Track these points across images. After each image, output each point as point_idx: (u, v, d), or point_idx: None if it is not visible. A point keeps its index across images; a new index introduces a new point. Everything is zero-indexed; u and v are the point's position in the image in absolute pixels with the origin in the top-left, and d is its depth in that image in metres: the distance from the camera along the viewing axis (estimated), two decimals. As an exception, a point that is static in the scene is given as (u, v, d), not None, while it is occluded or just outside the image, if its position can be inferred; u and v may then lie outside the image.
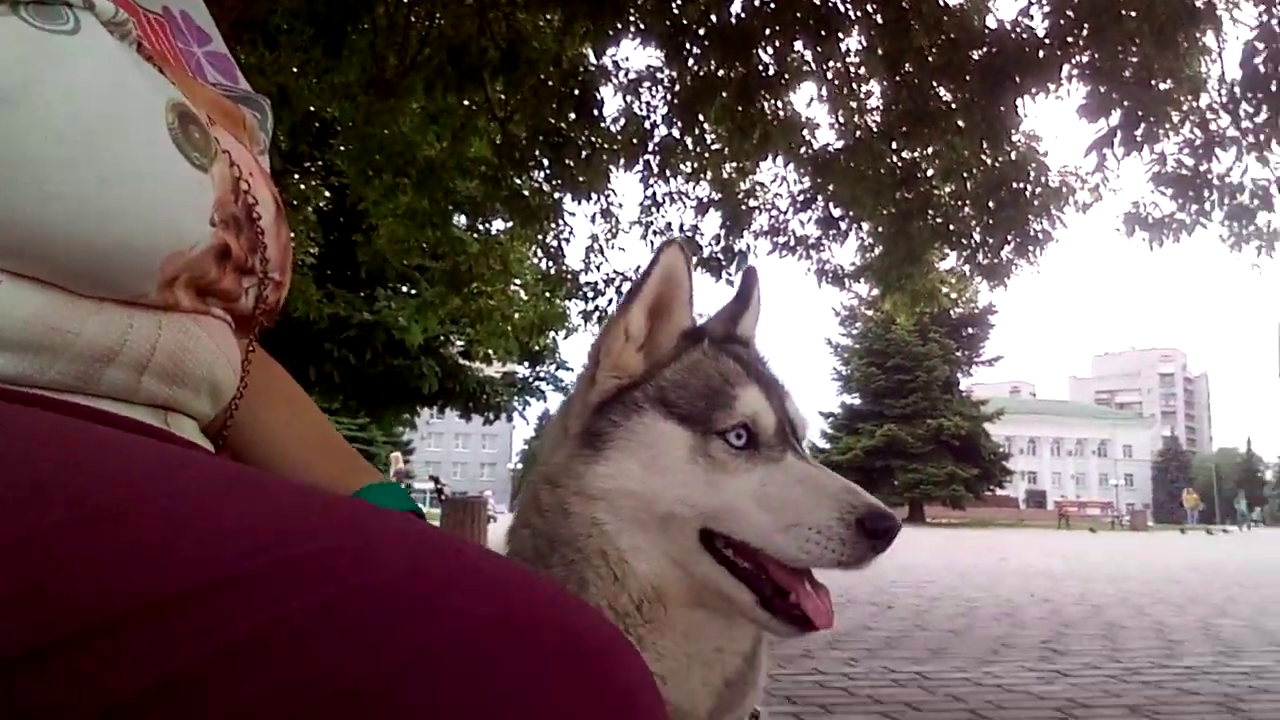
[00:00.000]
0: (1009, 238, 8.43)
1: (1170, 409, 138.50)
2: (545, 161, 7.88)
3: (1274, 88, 6.29)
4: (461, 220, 9.94)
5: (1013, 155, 7.84)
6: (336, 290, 14.21)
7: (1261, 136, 6.84)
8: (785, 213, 9.10)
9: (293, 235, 1.05)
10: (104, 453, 0.69)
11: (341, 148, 8.23)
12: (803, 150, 8.09)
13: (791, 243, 9.17)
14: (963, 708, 4.38)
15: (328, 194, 11.81)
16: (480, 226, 10.36)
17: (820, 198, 8.76)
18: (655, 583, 0.99)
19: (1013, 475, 63.35)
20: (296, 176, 10.93)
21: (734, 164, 8.48)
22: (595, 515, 1.00)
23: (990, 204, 8.15)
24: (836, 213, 8.85)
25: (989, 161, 7.83)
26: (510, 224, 9.35)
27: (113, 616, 0.58)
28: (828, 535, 0.94)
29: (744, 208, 8.94)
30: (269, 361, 1.11)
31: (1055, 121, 8.57)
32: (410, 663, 0.58)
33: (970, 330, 54.19)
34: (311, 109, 7.76)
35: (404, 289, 15.57)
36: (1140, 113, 6.28)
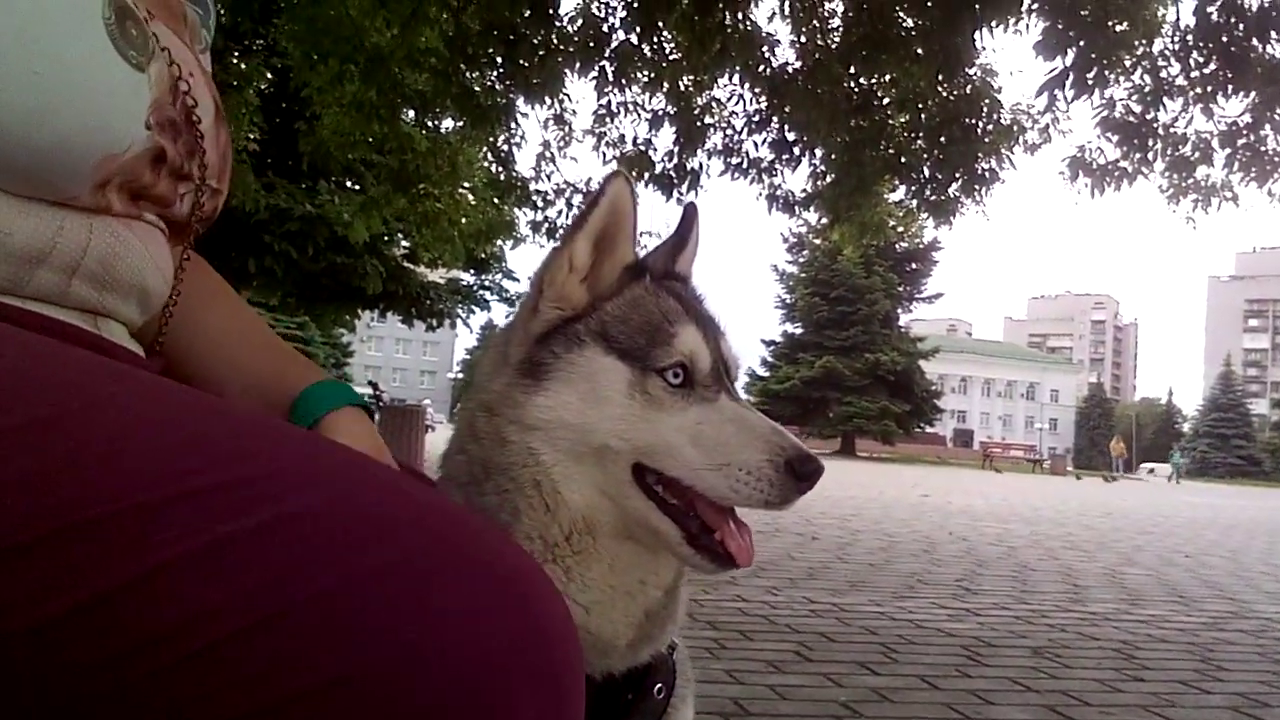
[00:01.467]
0: (957, 175, 8.47)
1: (1099, 355, 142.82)
2: (498, 59, 7.65)
3: (1224, 39, 6.35)
4: (410, 116, 9.67)
5: (968, 89, 7.84)
6: (277, 180, 13.78)
7: (1209, 88, 6.93)
8: (740, 133, 9.00)
9: (231, 126, 1.02)
10: (43, 363, 0.68)
11: (286, 26, 7.89)
12: (761, 68, 7.98)
13: (744, 165, 9.09)
14: (875, 640, 4.53)
15: (270, 76, 11.35)
16: (429, 124, 10.09)
17: (775, 119, 8.68)
18: (586, 514, 1.00)
19: (943, 413, 65.01)
20: (237, 55, 10.48)
21: (691, 77, 8.34)
22: (531, 445, 1.00)
23: (942, 138, 8.16)
24: (790, 136, 8.78)
25: (944, 94, 7.83)
26: (460, 124, 9.12)
27: (45, 530, 0.58)
28: (757, 476, 0.96)
29: (698, 124, 8.82)
30: (201, 263, 1.10)
31: (1011, 58, 8.57)
32: (342, 586, 0.60)
33: (914, 265, 54.82)
34: (255, -18, 7.41)
35: (348, 184, 15.17)
36: (1094, 55, 6.30)
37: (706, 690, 3.40)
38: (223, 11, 6.86)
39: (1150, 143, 7.64)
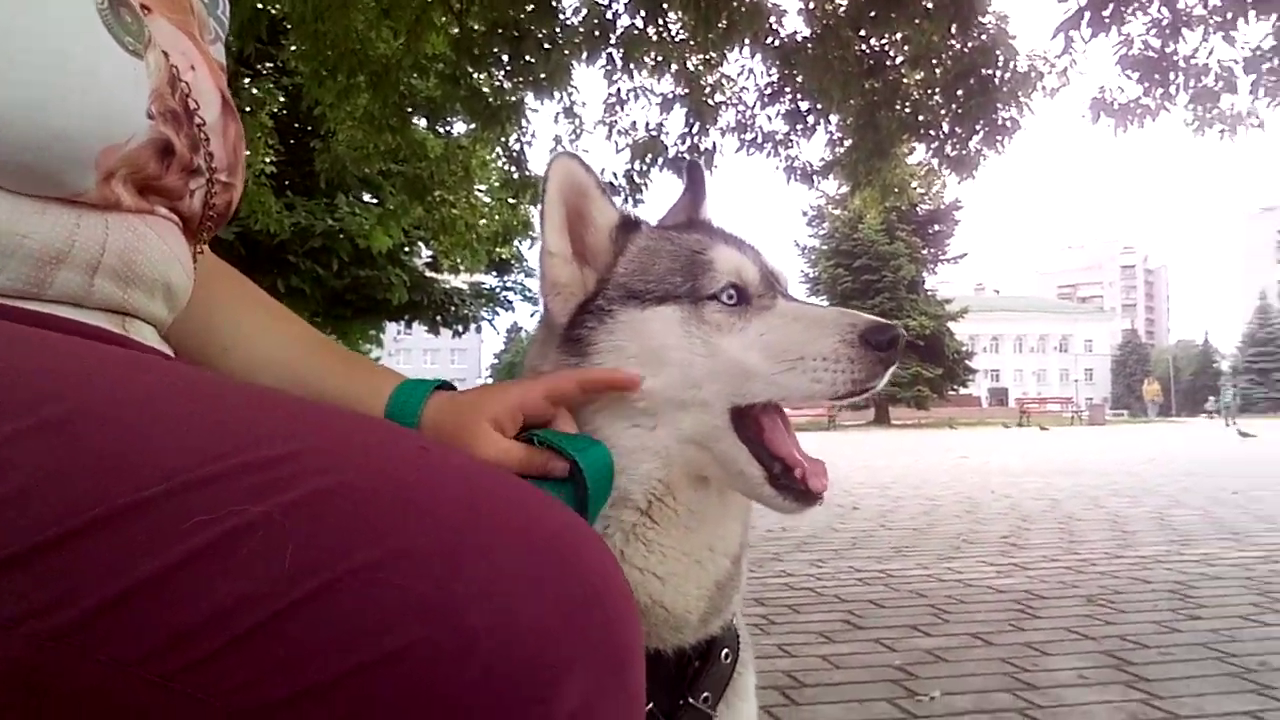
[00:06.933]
0: (977, 127, 8.36)
1: (1131, 302, 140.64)
2: (504, 58, 7.64)
3: (1242, -38, 6.21)
4: (421, 124, 9.69)
5: (983, 38, 7.71)
6: (296, 199, 13.90)
7: (1229, 15, 6.78)
8: (752, 107, 8.92)
9: (245, 140, 0.98)
10: (59, 359, 0.66)
11: (293, 46, 7.92)
12: (770, 40, 7.90)
13: (759, 139, 9.01)
14: (925, 603, 4.52)
15: (282, 98, 11.41)
16: (441, 130, 10.11)
17: (788, 90, 8.60)
18: (660, 476, 0.99)
19: (976, 374, 64.32)
20: (248, 80, 10.54)
21: (700, 56, 8.28)
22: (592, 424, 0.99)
23: (959, 92, 8.05)
24: (804, 105, 8.70)
25: (958, 47, 7.72)
26: (471, 127, 9.12)
27: (74, 526, 0.56)
28: (834, 358, 0.94)
29: (709, 103, 8.75)
30: (236, 274, 1.08)
31: (1025, 2, 8.42)
32: (378, 563, 0.58)
33: (936, 228, 54.14)
34: (259, 4, 7.41)
35: (365, 197, 15.26)
36: (1109, -9, 6.20)
37: (759, 665, 3.36)
38: (231, 38, 6.90)
39: (1171, 76, 7.48)
